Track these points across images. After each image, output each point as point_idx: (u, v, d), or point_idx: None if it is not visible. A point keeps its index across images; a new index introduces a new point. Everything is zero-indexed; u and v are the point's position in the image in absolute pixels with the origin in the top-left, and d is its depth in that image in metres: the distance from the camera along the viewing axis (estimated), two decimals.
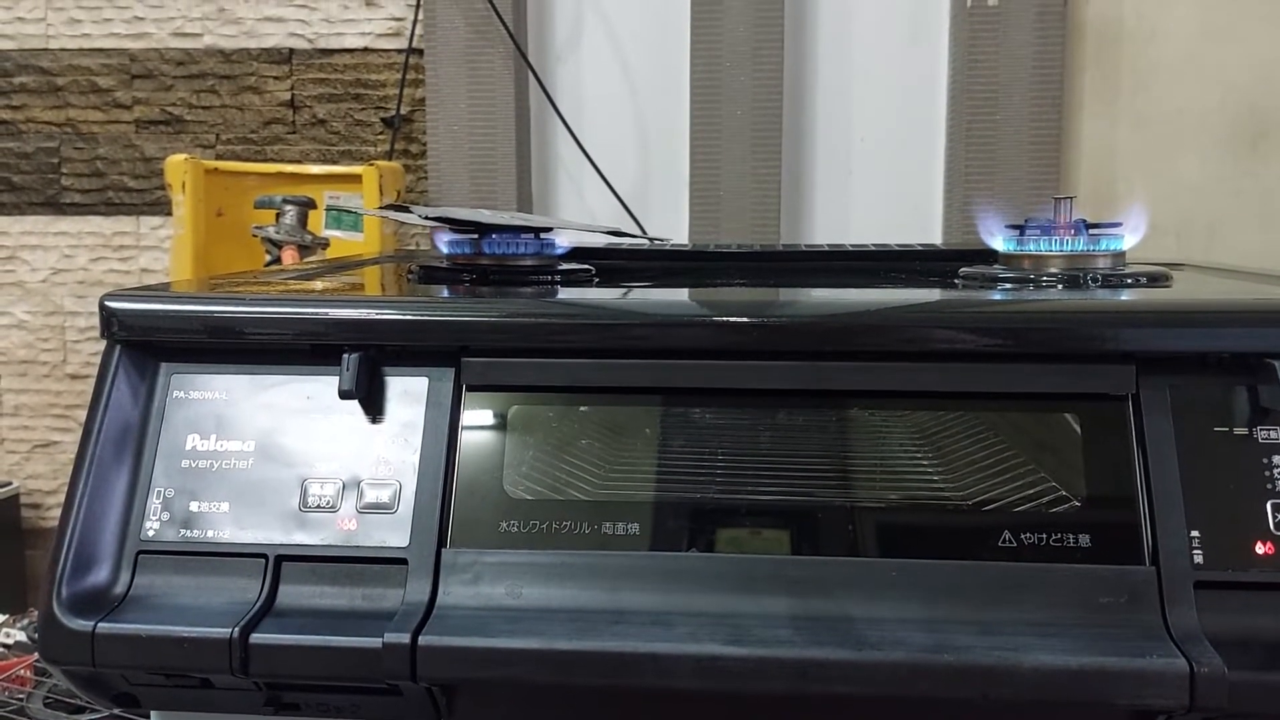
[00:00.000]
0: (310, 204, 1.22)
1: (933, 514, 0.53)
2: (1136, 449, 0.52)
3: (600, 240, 0.92)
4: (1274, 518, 0.51)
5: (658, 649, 0.50)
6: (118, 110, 1.50)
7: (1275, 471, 0.51)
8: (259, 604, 0.53)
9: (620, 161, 1.42)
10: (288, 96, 1.48)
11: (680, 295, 0.77)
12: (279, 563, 0.54)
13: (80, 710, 1.09)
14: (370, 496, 0.55)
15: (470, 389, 0.56)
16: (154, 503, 0.55)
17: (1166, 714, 0.48)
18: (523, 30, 1.40)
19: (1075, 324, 0.55)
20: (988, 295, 0.66)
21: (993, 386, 0.54)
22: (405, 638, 0.50)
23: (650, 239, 1.05)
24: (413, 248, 1.45)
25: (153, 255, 1.52)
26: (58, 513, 0.56)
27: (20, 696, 1.14)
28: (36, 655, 1.16)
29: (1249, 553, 0.50)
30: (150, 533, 0.55)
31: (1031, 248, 0.69)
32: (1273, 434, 0.52)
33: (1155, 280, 0.68)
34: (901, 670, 0.48)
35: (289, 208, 1.20)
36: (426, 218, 0.77)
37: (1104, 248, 0.69)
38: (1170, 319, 0.55)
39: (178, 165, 1.29)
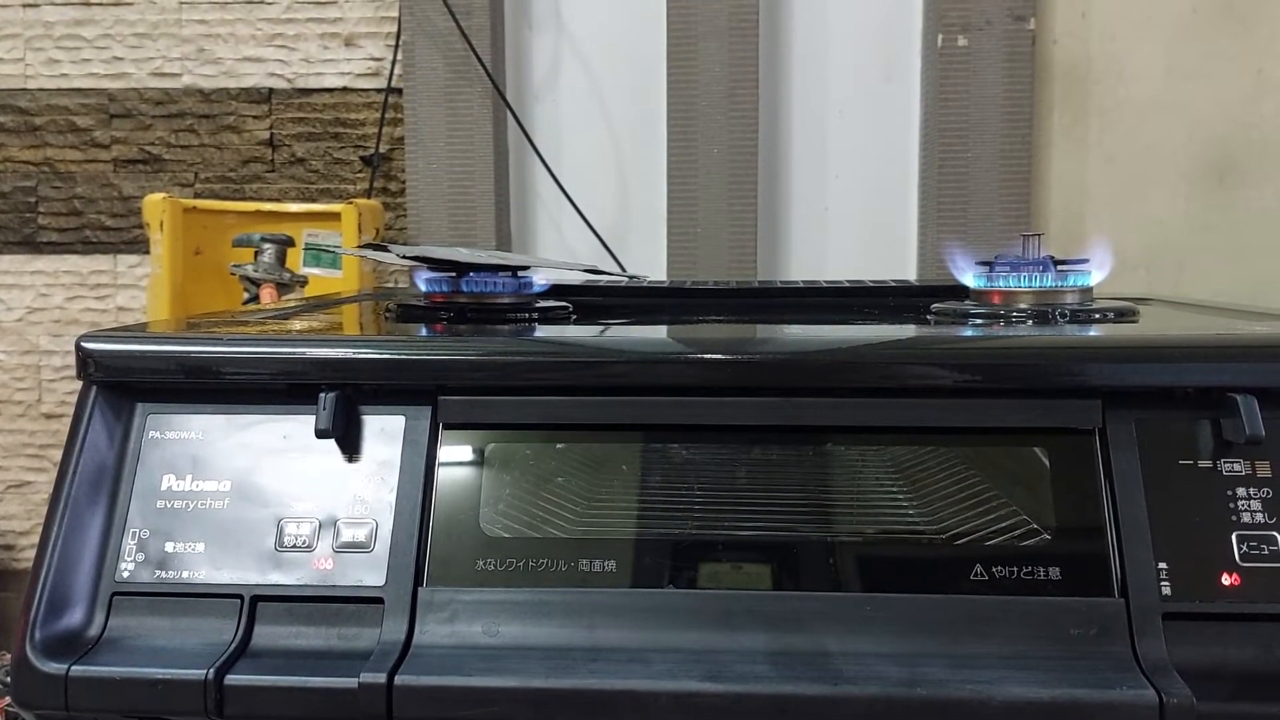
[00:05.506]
0: (289, 242, 1.23)
1: (907, 548, 0.54)
2: (1104, 482, 0.53)
3: (578, 277, 0.93)
4: (1239, 549, 0.51)
5: (635, 686, 0.50)
6: (95, 149, 1.50)
7: (1240, 504, 0.52)
8: (234, 645, 0.52)
9: (598, 199, 1.44)
10: (266, 135, 1.49)
11: (658, 332, 0.77)
12: (254, 603, 0.54)
13: None
14: (347, 536, 0.55)
15: (447, 427, 0.56)
16: (129, 544, 0.55)
17: None
18: (501, 70, 1.42)
19: (1042, 360, 0.56)
20: (957, 332, 0.67)
21: (963, 421, 0.55)
22: (381, 678, 0.50)
23: (628, 276, 1.06)
24: (391, 285, 1.45)
25: (130, 294, 1.52)
26: (32, 554, 0.56)
27: None
28: (9, 700, 1.14)
29: (1215, 584, 0.51)
30: (125, 574, 0.55)
31: (1001, 284, 0.71)
32: (1237, 466, 0.53)
33: (1122, 315, 0.69)
34: (877, 705, 0.49)
35: (267, 246, 1.20)
36: (404, 256, 0.78)
37: (1072, 283, 0.70)
38: (1135, 354, 0.56)
39: (156, 204, 1.29)
